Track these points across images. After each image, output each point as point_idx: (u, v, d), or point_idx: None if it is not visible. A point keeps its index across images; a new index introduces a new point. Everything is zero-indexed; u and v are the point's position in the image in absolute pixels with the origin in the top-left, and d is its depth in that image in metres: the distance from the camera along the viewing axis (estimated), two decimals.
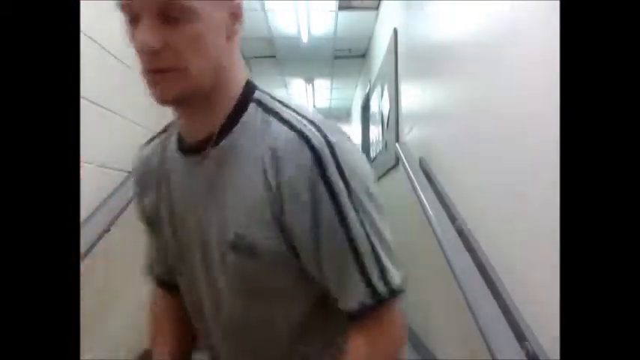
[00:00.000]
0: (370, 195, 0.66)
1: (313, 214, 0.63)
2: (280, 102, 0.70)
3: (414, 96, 2.75)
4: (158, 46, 0.60)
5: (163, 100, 0.64)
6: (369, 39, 5.16)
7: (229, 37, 0.67)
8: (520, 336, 1.12)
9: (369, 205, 0.65)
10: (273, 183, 0.64)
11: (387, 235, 0.68)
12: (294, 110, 0.68)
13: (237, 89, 0.70)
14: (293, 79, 6.80)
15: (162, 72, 0.62)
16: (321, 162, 0.62)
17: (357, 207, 0.64)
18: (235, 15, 0.67)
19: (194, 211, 0.72)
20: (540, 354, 1.05)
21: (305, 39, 5.05)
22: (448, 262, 1.52)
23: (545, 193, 1.07)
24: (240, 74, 0.71)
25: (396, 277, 0.67)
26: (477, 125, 1.61)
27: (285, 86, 7.09)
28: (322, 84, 7.05)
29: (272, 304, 0.71)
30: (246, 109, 0.69)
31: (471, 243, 1.52)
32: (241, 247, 0.67)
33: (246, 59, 5.82)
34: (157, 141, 0.81)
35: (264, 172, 0.65)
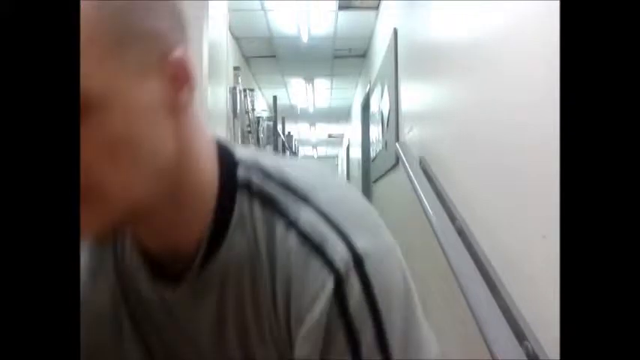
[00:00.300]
0: (414, 327, 0.47)
1: None
2: (277, 180, 0.49)
3: (414, 96, 2.75)
4: None
5: (88, 241, 0.43)
6: (369, 39, 5.16)
7: (175, 114, 0.43)
8: (520, 336, 1.12)
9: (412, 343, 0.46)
10: (282, 317, 0.47)
11: None
12: (300, 197, 0.47)
13: (209, 179, 0.48)
14: (293, 78, 6.80)
15: None
16: (343, 296, 0.43)
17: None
18: (178, 78, 0.43)
19: (185, 342, 0.52)
20: (540, 354, 1.05)
21: (305, 39, 5.06)
22: (448, 261, 1.52)
23: (546, 192, 1.07)
24: (207, 154, 0.48)
25: None
26: (477, 125, 1.61)
27: (285, 86, 7.09)
28: (322, 84, 7.05)
29: None
30: (234, 205, 0.48)
31: (471, 242, 1.52)
32: None
33: (246, 59, 5.82)
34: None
35: (273, 298, 0.47)
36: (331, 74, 6.57)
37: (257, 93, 6.28)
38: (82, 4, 0.39)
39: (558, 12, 0.76)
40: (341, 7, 4.44)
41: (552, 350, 1.04)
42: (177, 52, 0.43)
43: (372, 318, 0.44)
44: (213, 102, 2.91)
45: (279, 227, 0.47)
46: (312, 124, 9.87)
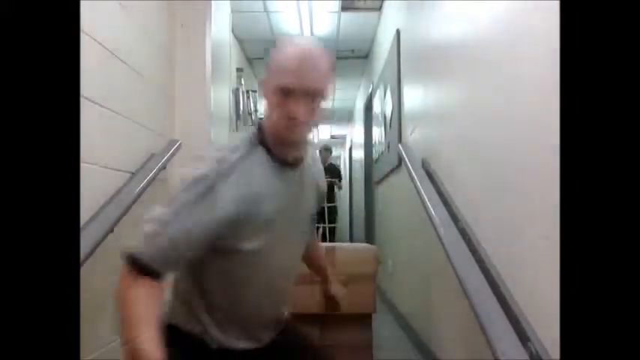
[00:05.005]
0: None
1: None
2: None
3: (416, 97, 2.75)
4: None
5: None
6: (371, 40, 5.16)
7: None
8: (523, 337, 1.11)
9: None
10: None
11: None
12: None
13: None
14: None
15: None
16: None
17: None
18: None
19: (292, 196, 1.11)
20: (544, 355, 1.04)
21: None
22: (450, 262, 1.51)
23: (548, 193, 1.06)
24: None
25: None
26: (479, 126, 1.60)
27: None
28: None
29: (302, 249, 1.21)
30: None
31: (474, 243, 1.51)
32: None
33: (249, 60, 5.82)
34: None
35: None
36: (334, 75, 6.57)
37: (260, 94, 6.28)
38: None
39: (559, 13, 0.75)
40: (343, 9, 4.44)
41: (555, 352, 1.03)
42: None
43: None
44: (216, 103, 2.92)
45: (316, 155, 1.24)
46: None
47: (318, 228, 1.57)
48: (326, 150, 6.55)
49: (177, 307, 1.10)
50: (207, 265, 1.04)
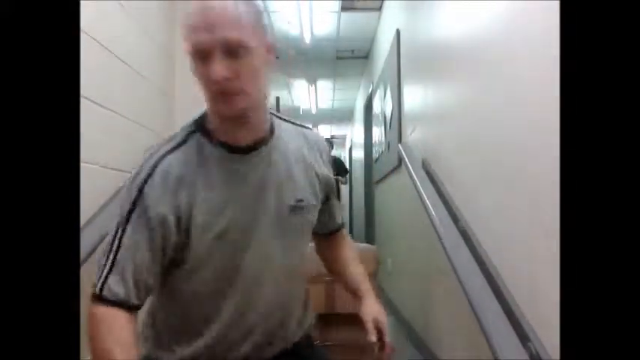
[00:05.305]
0: None
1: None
2: (284, 115, 1.05)
3: (416, 97, 2.75)
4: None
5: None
6: (371, 40, 5.16)
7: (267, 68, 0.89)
8: (523, 337, 1.11)
9: None
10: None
11: None
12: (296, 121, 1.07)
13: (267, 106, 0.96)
14: (296, 80, 6.80)
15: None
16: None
17: None
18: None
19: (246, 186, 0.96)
20: (543, 355, 1.04)
21: (308, 40, 5.06)
22: (451, 262, 1.51)
23: (548, 192, 1.06)
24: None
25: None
26: (480, 126, 1.60)
27: (288, 87, 7.09)
28: (325, 85, 7.05)
29: (302, 244, 1.02)
30: (274, 121, 0.98)
31: (474, 244, 1.51)
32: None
33: None
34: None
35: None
36: (334, 75, 6.57)
37: None
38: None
39: (558, 13, 0.75)
40: (343, 9, 4.44)
41: (555, 352, 1.03)
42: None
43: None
44: None
45: (304, 129, 1.06)
46: (315, 125, 9.87)
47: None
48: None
49: (142, 326, 1.00)
50: (163, 281, 0.93)
